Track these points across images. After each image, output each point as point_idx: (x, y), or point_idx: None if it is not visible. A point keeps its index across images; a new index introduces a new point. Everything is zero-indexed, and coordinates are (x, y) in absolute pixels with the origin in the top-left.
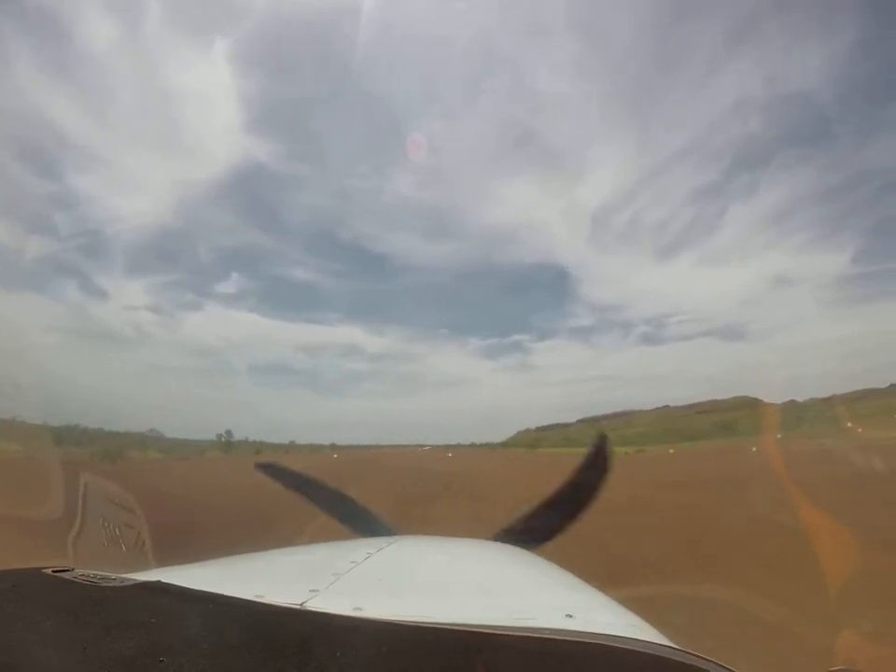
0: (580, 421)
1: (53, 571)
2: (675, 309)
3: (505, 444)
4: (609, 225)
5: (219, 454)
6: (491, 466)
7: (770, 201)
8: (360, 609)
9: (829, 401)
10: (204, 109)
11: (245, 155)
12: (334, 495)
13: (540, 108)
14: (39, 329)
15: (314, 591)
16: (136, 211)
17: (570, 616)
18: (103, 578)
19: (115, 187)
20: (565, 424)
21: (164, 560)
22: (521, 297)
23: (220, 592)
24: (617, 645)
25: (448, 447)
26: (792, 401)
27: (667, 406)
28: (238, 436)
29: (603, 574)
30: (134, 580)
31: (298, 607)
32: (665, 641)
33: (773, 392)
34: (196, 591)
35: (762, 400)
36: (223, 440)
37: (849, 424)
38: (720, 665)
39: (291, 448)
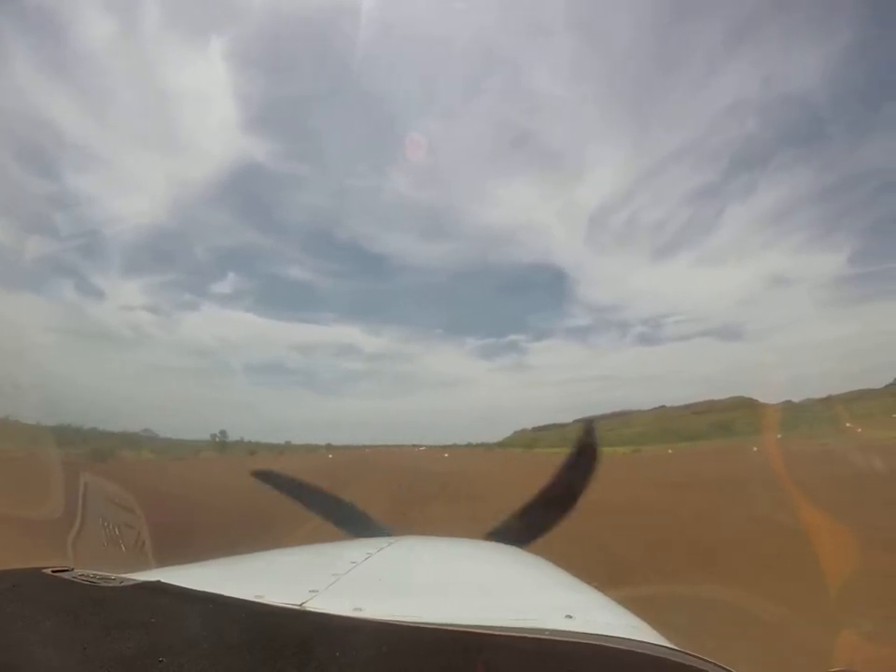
0: (576, 421)
1: (53, 571)
2: (672, 309)
3: (502, 444)
4: (607, 225)
5: (214, 454)
6: (488, 466)
7: (768, 201)
8: (360, 609)
9: (826, 401)
10: (202, 108)
11: (243, 154)
12: (330, 499)
13: (538, 109)
14: (37, 328)
15: (313, 591)
16: (134, 211)
17: (570, 616)
18: (103, 578)
19: (113, 186)
20: (561, 424)
21: (164, 560)
22: (518, 297)
23: (220, 592)
24: (616, 646)
25: (445, 447)
26: (789, 401)
27: (664, 406)
28: (234, 436)
29: (602, 574)
30: (134, 580)
31: (297, 607)
32: (665, 642)
33: (770, 392)
34: (196, 591)
35: (758, 401)
36: (217, 440)
37: (847, 424)
38: (719, 666)
39: (286, 448)
